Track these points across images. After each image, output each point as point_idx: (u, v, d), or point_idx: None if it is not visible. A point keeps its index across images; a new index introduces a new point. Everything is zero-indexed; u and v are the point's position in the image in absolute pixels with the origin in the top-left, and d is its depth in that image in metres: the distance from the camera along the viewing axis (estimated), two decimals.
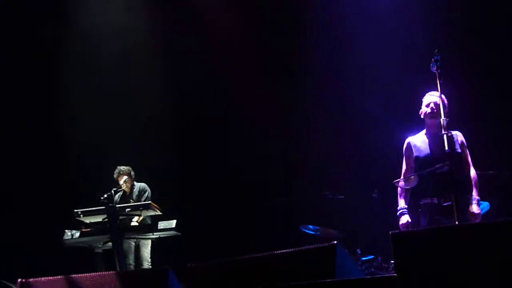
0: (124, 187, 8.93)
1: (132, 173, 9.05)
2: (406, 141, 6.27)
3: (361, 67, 9.73)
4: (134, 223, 8.21)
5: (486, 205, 7.56)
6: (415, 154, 6.11)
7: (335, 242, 4.02)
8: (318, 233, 8.46)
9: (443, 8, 9.45)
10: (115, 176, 8.67)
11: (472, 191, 5.94)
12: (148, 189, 9.05)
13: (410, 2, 9.63)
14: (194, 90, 10.64)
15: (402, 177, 6.16)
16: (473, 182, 5.99)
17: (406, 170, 6.20)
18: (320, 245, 4.12)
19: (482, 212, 7.25)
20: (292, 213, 9.50)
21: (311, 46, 10.05)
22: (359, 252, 8.22)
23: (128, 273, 5.74)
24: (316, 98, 10.12)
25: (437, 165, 5.60)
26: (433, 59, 5.53)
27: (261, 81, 10.12)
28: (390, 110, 9.46)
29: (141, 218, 8.07)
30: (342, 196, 8.92)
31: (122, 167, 8.98)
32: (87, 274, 4.37)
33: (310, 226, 8.53)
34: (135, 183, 9.09)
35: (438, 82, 5.51)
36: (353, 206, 9.06)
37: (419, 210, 6.05)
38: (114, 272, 4.61)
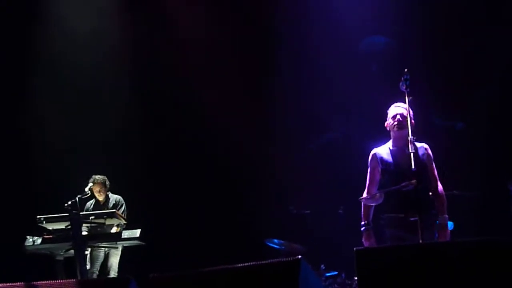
0: (98, 196, 8.83)
1: (107, 183, 8.95)
2: (372, 152, 6.17)
3: (329, 83, 9.81)
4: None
5: (450, 224, 7.61)
6: (381, 166, 6.03)
7: (299, 257, 4.00)
8: (283, 247, 8.44)
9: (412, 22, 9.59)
10: (89, 184, 8.48)
11: (438, 208, 5.89)
12: (124, 203, 8.95)
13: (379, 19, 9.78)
14: (164, 97, 10.58)
15: (366, 189, 6.09)
16: (439, 199, 5.92)
17: (370, 182, 6.12)
18: (284, 259, 4.10)
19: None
20: (258, 226, 9.48)
21: (280, 63, 10.13)
22: (323, 267, 8.22)
23: (88, 282, 5.66)
24: (283, 112, 10.15)
25: (403, 184, 5.53)
26: (402, 78, 5.56)
27: (229, 94, 10.12)
28: (356, 125, 9.54)
29: (119, 229, 7.96)
30: (308, 211, 8.93)
31: (97, 176, 8.85)
32: (46, 282, 4.29)
33: (275, 240, 8.51)
34: (110, 194, 8.98)
35: (407, 100, 5.53)
36: (319, 221, 9.08)
37: (382, 222, 5.97)
38: (74, 280, 4.53)
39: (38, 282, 4.35)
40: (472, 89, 9.43)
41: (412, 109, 5.79)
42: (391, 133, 6.11)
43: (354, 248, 4.10)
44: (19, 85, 10.41)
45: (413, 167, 5.23)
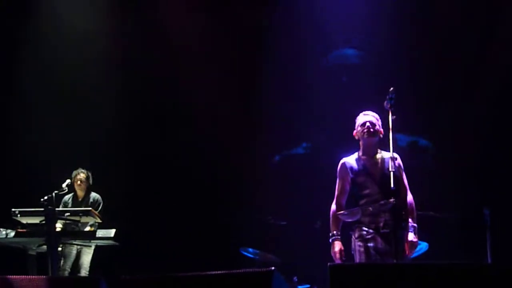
0: (78, 189, 8.78)
1: (91, 177, 8.91)
2: (341, 162, 6.07)
3: (309, 96, 9.88)
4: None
5: (424, 245, 7.64)
6: (351, 175, 5.93)
7: (273, 268, 4.00)
8: (257, 257, 8.42)
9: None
10: (67, 182, 8.35)
11: (408, 218, 5.74)
12: (102, 202, 8.89)
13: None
14: (151, 98, 10.57)
15: (335, 199, 5.97)
16: (409, 209, 5.80)
17: (339, 193, 5.99)
18: (257, 269, 4.10)
19: (420, 252, 7.34)
20: (234, 234, 9.47)
21: (266, 80, 10.18)
22: (296, 280, 8.22)
23: (58, 279, 5.61)
24: (263, 122, 10.16)
25: (382, 202, 5.48)
26: (387, 97, 5.58)
27: (213, 103, 10.14)
28: (336, 139, 9.59)
29: (93, 228, 7.91)
30: (285, 222, 8.92)
31: (81, 170, 8.84)
32: (16, 276, 4.25)
33: (250, 249, 8.49)
34: (91, 192, 8.93)
35: (390, 119, 5.52)
36: (295, 233, 9.08)
37: (350, 232, 5.90)
38: (45, 277, 4.50)
39: (8, 276, 4.32)
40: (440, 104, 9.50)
41: (382, 122, 5.80)
42: (360, 141, 6.04)
43: (328, 264, 4.10)
44: (6, 79, 10.34)
45: (392, 185, 5.22)
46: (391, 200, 5.29)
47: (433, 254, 7.63)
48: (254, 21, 10.26)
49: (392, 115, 5.53)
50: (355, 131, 6.05)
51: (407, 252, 5.60)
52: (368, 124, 5.91)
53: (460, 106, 9.49)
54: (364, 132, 5.93)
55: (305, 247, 8.95)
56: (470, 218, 8.85)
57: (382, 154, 5.89)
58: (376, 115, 5.90)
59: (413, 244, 5.65)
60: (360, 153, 6.01)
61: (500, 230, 8.12)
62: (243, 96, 10.23)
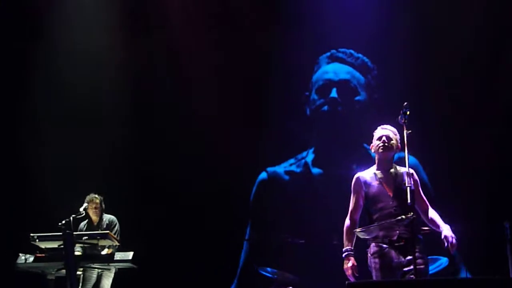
0: (92, 215, 8.78)
1: (103, 203, 8.90)
2: (356, 176, 5.99)
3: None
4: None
5: (445, 260, 7.59)
6: (365, 190, 5.86)
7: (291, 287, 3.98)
8: (276, 276, 8.38)
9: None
10: (84, 206, 8.39)
11: (439, 228, 5.63)
12: (117, 223, 8.88)
13: None
14: (163, 118, 10.61)
15: (349, 214, 5.91)
16: (436, 217, 5.74)
17: (353, 208, 5.92)
18: None
19: (440, 268, 7.28)
20: (252, 254, 9.45)
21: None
22: None
23: None
24: (278, 139, 10.17)
25: (399, 218, 5.41)
26: (401, 111, 5.52)
27: (224, 116, 10.22)
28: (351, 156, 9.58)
29: (110, 250, 7.91)
30: (303, 241, 8.88)
31: (94, 196, 8.80)
32: None
33: (268, 269, 8.45)
34: (104, 214, 8.93)
35: (405, 134, 5.47)
36: (313, 251, 9.04)
37: (366, 250, 5.79)
38: None
39: None
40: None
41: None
42: (376, 156, 5.97)
43: (346, 282, 4.08)
44: (18, 101, 10.45)
45: (409, 201, 5.16)
46: (409, 215, 5.20)
47: (454, 269, 7.57)
48: (261, 41, 10.34)
49: (406, 129, 5.45)
50: (372, 145, 5.98)
51: (449, 248, 5.48)
52: (384, 138, 5.84)
53: (473, 117, 9.45)
54: (379, 146, 5.87)
55: (323, 265, 8.91)
56: (491, 232, 8.81)
57: (397, 169, 5.84)
58: (394, 130, 5.84)
59: (452, 241, 5.49)
60: (375, 168, 5.95)
61: None
62: (253, 115, 10.31)
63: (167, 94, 10.58)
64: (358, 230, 5.81)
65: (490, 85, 9.53)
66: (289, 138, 10.44)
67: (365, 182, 5.87)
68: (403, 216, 5.35)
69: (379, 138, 5.88)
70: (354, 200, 5.93)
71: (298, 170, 10.40)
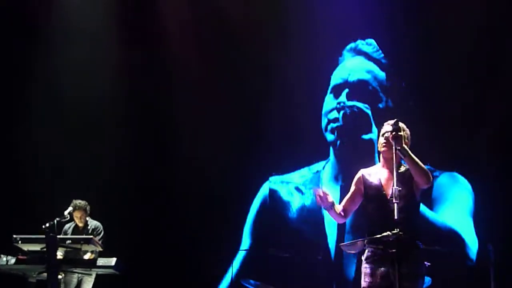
0: (78, 222, 8.74)
1: (88, 208, 8.84)
2: (360, 172, 5.63)
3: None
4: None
5: (427, 280, 7.57)
6: (364, 188, 5.54)
7: None
8: None
9: None
10: (69, 210, 8.37)
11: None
12: (103, 230, 8.84)
13: None
14: (157, 129, 10.59)
15: (343, 202, 5.62)
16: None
17: (348, 200, 5.61)
18: None
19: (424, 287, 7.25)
20: (235, 265, 9.44)
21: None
22: None
23: None
24: (272, 150, 10.14)
25: (385, 234, 5.24)
26: (392, 128, 5.39)
27: (219, 128, 10.15)
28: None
29: (93, 255, 7.86)
30: (287, 255, 8.85)
31: (78, 202, 8.72)
32: None
33: (251, 281, 8.42)
34: (89, 219, 8.87)
35: (394, 151, 5.34)
36: (297, 265, 9.01)
37: (362, 256, 5.51)
38: None
39: None
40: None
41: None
42: (381, 154, 5.53)
43: None
44: (11, 104, 10.42)
45: (395, 216, 5.08)
46: (395, 231, 5.10)
47: None
48: (260, 56, 10.28)
49: (396, 145, 5.31)
50: (378, 142, 5.59)
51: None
52: (386, 134, 5.41)
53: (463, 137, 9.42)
54: (381, 144, 5.49)
55: (307, 280, 8.89)
56: (474, 253, 8.83)
57: (404, 169, 5.46)
58: (402, 125, 5.40)
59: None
60: (380, 165, 5.63)
61: (503, 266, 8.06)
62: (250, 124, 10.26)
63: (163, 98, 10.57)
64: (342, 244, 5.75)
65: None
66: (300, 142, 9.96)
67: (367, 181, 5.56)
68: (389, 233, 5.21)
69: (383, 135, 5.47)
70: (351, 193, 5.64)
71: (309, 187, 9.93)
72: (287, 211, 9.96)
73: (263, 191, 10.20)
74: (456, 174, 9.35)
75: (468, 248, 8.98)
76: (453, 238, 8.92)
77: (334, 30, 9.78)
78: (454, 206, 9.23)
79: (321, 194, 5.40)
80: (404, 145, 5.30)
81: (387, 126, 5.46)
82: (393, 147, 5.30)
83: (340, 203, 5.64)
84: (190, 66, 10.49)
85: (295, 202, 10.01)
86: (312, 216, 9.66)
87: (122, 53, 10.55)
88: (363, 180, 5.58)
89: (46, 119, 10.41)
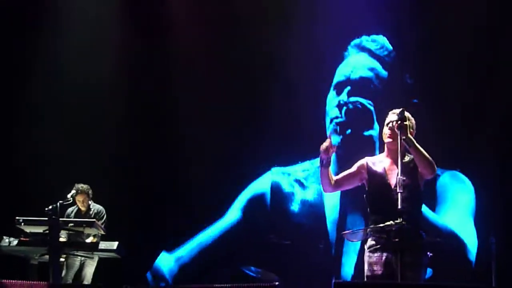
0: (80, 206, 8.75)
1: (90, 192, 8.85)
2: (365, 159, 5.59)
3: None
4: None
5: (429, 271, 7.59)
6: (367, 176, 5.48)
7: (277, 283, 3.96)
8: (259, 275, 8.38)
9: None
10: (72, 193, 8.37)
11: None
12: (105, 215, 8.85)
13: None
14: (157, 120, 10.58)
15: (339, 175, 5.56)
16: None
17: (345, 175, 5.57)
18: (261, 284, 4.06)
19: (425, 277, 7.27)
20: (236, 252, 9.46)
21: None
22: None
23: (60, 286, 5.58)
24: (269, 138, 10.11)
25: (388, 223, 5.24)
26: (397, 117, 5.37)
27: (216, 116, 10.13)
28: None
29: (95, 239, 7.89)
30: (289, 242, 8.87)
31: (81, 186, 8.73)
32: (17, 281, 4.23)
33: (252, 268, 8.45)
34: (92, 203, 8.89)
35: (399, 141, 5.34)
36: (298, 253, 9.03)
37: (365, 245, 5.48)
38: (46, 282, 4.47)
39: (9, 281, 4.30)
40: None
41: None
42: (385, 144, 5.50)
43: (333, 281, 4.06)
44: (10, 91, 10.39)
45: (399, 206, 5.08)
46: (398, 221, 5.10)
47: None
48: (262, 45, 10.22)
49: (401, 135, 5.30)
50: (383, 131, 5.52)
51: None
52: (391, 125, 5.38)
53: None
54: (386, 134, 5.45)
55: (308, 267, 8.91)
56: (476, 246, 8.84)
57: (409, 159, 5.43)
58: (408, 114, 5.36)
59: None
60: (384, 155, 5.56)
61: (505, 258, 8.08)
62: (253, 117, 10.21)
63: (165, 88, 10.53)
64: (344, 232, 5.75)
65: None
66: (303, 136, 9.74)
67: (370, 169, 5.50)
68: (392, 222, 5.21)
69: (387, 124, 5.44)
70: (350, 173, 5.57)
71: (310, 181, 9.90)
72: (288, 203, 9.90)
73: (265, 179, 10.14)
74: (458, 173, 9.33)
75: (468, 251, 8.98)
76: (453, 240, 8.91)
77: (340, 24, 9.71)
78: (455, 207, 9.23)
79: (329, 144, 5.30)
80: (409, 135, 5.30)
81: (392, 116, 5.43)
82: (398, 137, 5.30)
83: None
84: (192, 58, 10.40)
85: (297, 194, 9.96)
86: (314, 210, 9.64)
87: (124, 41, 10.50)
88: (367, 167, 5.54)
89: (46, 106, 10.35)
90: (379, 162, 5.56)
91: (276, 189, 10.03)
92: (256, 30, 10.08)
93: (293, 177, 10.05)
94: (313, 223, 9.56)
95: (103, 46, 10.43)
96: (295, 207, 9.84)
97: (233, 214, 10.05)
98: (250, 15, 10.13)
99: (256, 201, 10.03)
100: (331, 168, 5.45)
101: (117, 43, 10.50)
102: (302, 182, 9.93)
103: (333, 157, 5.41)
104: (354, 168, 5.60)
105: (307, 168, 9.94)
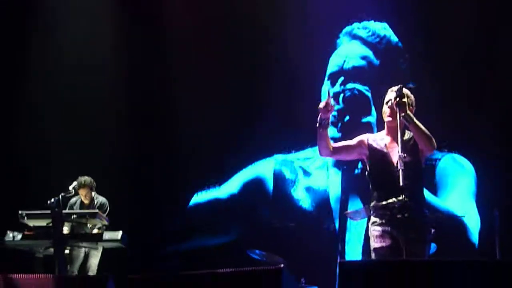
0: (83, 199, 8.75)
1: (94, 184, 8.84)
2: (366, 135, 5.58)
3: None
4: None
5: (433, 246, 7.60)
6: (368, 152, 5.45)
7: (282, 265, 3.96)
8: (264, 258, 8.38)
9: None
10: (74, 185, 8.34)
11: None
12: (108, 206, 8.85)
13: None
14: (158, 108, 10.55)
15: (337, 143, 5.57)
16: None
17: (344, 145, 5.55)
18: (267, 267, 4.06)
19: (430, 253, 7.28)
20: (240, 236, 9.49)
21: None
22: (304, 281, 8.17)
23: (66, 278, 5.59)
24: (270, 125, 10.08)
25: (390, 201, 5.25)
26: (395, 94, 5.37)
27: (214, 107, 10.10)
28: None
29: (99, 230, 7.90)
30: (293, 224, 8.88)
31: (84, 179, 8.71)
32: (23, 275, 4.23)
33: (257, 251, 8.44)
34: (95, 195, 8.89)
35: (398, 117, 5.33)
36: (302, 235, 9.04)
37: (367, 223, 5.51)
38: (52, 275, 4.48)
39: (15, 275, 4.30)
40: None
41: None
42: (385, 122, 5.47)
43: (338, 261, 4.05)
44: (10, 84, 10.37)
45: (401, 183, 5.08)
46: (401, 198, 5.11)
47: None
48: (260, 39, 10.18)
49: (400, 113, 5.29)
50: (383, 109, 5.51)
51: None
52: (390, 103, 5.37)
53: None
54: (386, 113, 5.43)
55: (312, 249, 8.92)
56: (479, 227, 8.85)
57: (409, 136, 5.44)
58: (406, 91, 5.34)
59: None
60: (384, 133, 5.52)
61: (509, 231, 8.09)
62: (251, 104, 10.16)
63: (163, 75, 10.49)
64: (347, 212, 5.75)
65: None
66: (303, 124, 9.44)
67: (371, 145, 5.49)
68: (394, 199, 5.22)
69: (387, 102, 5.43)
70: (351, 144, 5.54)
71: (314, 169, 9.83)
72: (291, 189, 9.90)
73: (268, 164, 10.11)
74: (457, 155, 9.32)
75: (470, 233, 8.98)
76: (456, 223, 8.91)
77: (331, 11, 9.65)
78: (456, 190, 9.22)
79: (329, 102, 5.30)
80: (408, 112, 5.30)
81: (391, 93, 5.43)
82: (397, 114, 5.30)
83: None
84: (189, 45, 10.38)
85: (300, 181, 9.94)
86: (318, 196, 9.64)
87: (122, 36, 10.49)
88: (367, 143, 5.52)
89: (46, 104, 10.34)
90: (380, 139, 5.55)
91: (279, 176, 10.01)
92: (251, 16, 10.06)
93: (297, 163, 10.04)
94: (317, 209, 9.56)
95: (101, 43, 10.41)
96: (298, 193, 9.83)
97: (233, 186, 10.06)
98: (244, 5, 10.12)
99: (257, 184, 10.02)
100: None
101: (115, 41, 10.48)
102: (305, 169, 9.92)
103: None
104: (354, 141, 5.58)
105: (309, 156, 9.93)
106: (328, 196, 9.48)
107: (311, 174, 9.84)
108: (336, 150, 5.53)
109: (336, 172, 9.52)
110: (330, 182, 9.50)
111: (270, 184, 9.98)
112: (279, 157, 10.06)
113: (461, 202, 9.11)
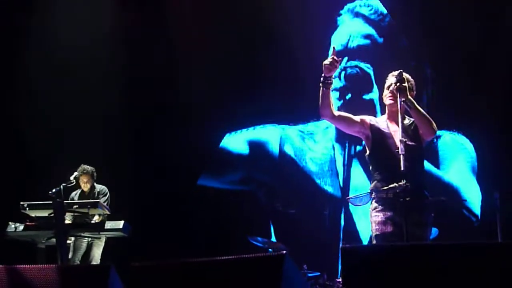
0: (83, 186, 8.78)
1: (95, 174, 8.86)
2: (369, 116, 5.56)
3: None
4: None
5: (434, 231, 7.60)
6: (371, 133, 5.44)
7: (284, 252, 3.95)
8: (266, 245, 8.39)
9: None
10: (75, 175, 8.36)
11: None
12: (108, 193, 8.88)
13: None
14: (153, 92, 10.53)
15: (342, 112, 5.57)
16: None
17: (347, 116, 5.49)
18: (269, 254, 4.06)
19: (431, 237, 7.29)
20: (242, 223, 9.49)
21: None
22: (306, 267, 8.18)
23: (68, 267, 5.59)
24: (273, 109, 10.06)
25: (392, 186, 5.18)
26: (395, 79, 5.37)
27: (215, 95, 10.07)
28: None
29: (100, 219, 7.91)
30: (293, 210, 8.89)
31: (86, 167, 8.76)
32: (25, 266, 4.23)
33: (259, 238, 8.46)
34: (95, 184, 8.90)
35: (398, 102, 5.33)
36: (303, 221, 9.05)
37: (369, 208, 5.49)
38: (54, 265, 4.47)
39: (18, 266, 4.30)
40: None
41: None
42: (386, 107, 5.49)
43: (340, 246, 4.05)
44: (11, 73, 10.35)
45: (402, 168, 5.08)
46: (401, 183, 5.10)
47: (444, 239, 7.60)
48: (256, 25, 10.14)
49: (401, 97, 5.29)
50: (384, 93, 5.52)
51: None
52: (392, 87, 5.36)
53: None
54: (387, 97, 5.44)
55: (314, 235, 8.93)
56: (480, 201, 8.86)
57: (410, 120, 5.47)
58: (407, 76, 5.35)
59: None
60: (385, 117, 5.53)
61: (510, 213, 8.09)
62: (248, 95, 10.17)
63: (163, 53, 10.49)
64: (349, 197, 5.75)
65: None
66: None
67: (373, 126, 5.48)
68: (396, 184, 5.21)
69: (388, 87, 5.43)
70: (354, 118, 5.49)
71: (317, 144, 9.89)
72: (298, 159, 9.86)
73: (274, 132, 10.12)
74: (457, 134, 9.32)
75: (472, 206, 8.99)
76: (457, 196, 8.92)
77: None
78: (457, 165, 9.24)
79: (335, 58, 5.23)
80: (409, 96, 5.29)
81: (392, 78, 5.43)
82: (398, 99, 5.29)
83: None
84: (190, 29, 10.35)
85: (306, 152, 9.93)
86: (323, 168, 9.64)
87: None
88: (370, 125, 5.51)
89: (45, 84, 10.33)
90: (382, 122, 5.55)
91: (284, 145, 10.01)
92: None
93: (302, 134, 10.04)
94: (321, 185, 9.56)
95: (99, 31, 10.41)
96: (304, 165, 9.80)
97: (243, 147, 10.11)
98: None
99: (263, 146, 10.07)
100: None
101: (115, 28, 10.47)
102: (310, 140, 9.95)
103: None
104: (357, 118, 5.54)
105: (311, 131, 9.93)
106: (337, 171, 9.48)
107: (318, 142, 9.87)
108: (337, 118, 5.47)
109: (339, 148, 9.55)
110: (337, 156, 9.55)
111: (275, 148, 10.01)
112: (284, 126, 10.10)
113: (462, 176, 9.14)
